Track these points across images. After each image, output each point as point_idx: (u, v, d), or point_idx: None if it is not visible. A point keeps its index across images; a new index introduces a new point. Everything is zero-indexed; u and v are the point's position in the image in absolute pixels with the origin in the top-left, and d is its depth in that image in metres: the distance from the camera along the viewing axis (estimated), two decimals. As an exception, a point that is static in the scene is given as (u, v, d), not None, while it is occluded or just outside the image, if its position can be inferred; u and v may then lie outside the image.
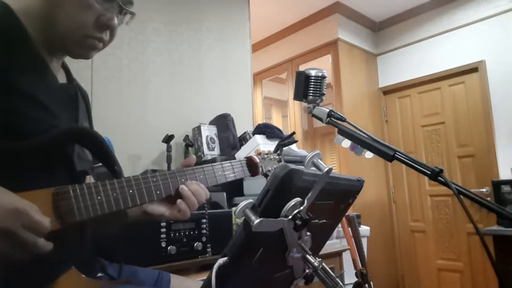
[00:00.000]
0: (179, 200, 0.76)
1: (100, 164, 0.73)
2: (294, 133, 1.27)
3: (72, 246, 0.70)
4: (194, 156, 0.84)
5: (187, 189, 0.76)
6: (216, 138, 2.07)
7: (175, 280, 0.96)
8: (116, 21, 0.76)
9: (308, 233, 0.57)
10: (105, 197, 0.66)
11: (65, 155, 0.70)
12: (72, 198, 0.63)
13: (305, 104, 1.06)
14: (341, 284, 0.57)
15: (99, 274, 0.83)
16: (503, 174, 2.85)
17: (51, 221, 0.58)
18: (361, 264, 1.74)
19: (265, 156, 1.04)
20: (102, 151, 0.72)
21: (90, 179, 0.82)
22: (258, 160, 0.98)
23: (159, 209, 0.78)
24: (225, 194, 1.63)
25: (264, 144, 1.85)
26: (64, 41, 0.73)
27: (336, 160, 3.34)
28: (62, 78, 0.81)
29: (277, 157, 1.08)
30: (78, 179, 0.73)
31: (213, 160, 1.86)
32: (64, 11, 0.71)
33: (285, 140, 1.13)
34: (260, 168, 0.99)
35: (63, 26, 0.72)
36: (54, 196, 0.61)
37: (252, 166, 0.97)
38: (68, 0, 0.71)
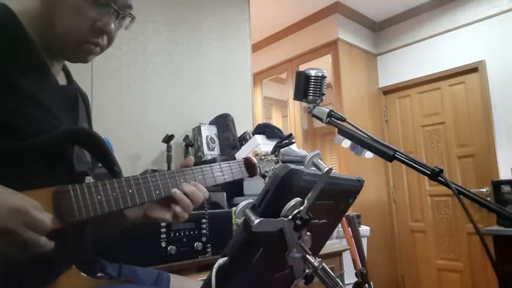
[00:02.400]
0: (173, 204, 0.76)
1: (100, 164, 0.74)
2: (291, 135, 1.27)
3: (72, 246, 0.70)
4: (192, 157, 0.84)
5: (180, 192, 0.76)
6: (216, 138, 2.07)
7: (175, 280, 0.96)
8: (112, 26, 0.75)
9: (308, 233, 0.57)
10: (105, 197, 0.66)
11: (65, 156, 0.70)
12: (72, 197, 0.63)
13: (305, 104, 1.06)
14: (341, 284, 0.57)
15: (99, 274, 0.83)
16: (503, 174, 2.85)
17: (51, 220, 0.58)
18: (361, 264, 1.74)
19: (263, 157, 1.04)
20: (101, 152, 0.72)
21: (89, 180, 0.83)
22: (255, 161, 0.99)
23: (161, 213, 0.79)
24: (225, 194, 1.63)
25: (264, 144, 1.85)
26: (61, 45, 0.74)
27: (336, 160, 3.34)
28: (62, 80, 0.82)
29: (275, 158, 1.08)
30: (78, 179, 0.73)
31: (213, 160, 1.86)
32: (60, 16, 0.71)
33: (282, 141, 1.13)
34: (258, 169, 1.00)
35: (59, 30, 0.72)
36: (54, 195, 0.61)
37: (250, 167, 0.97)
38: (63, 5, 0.71)
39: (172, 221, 0.79)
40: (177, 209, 0.76)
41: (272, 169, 1.06)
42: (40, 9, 0.72)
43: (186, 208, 0.76)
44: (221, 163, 0.89)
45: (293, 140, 1.19)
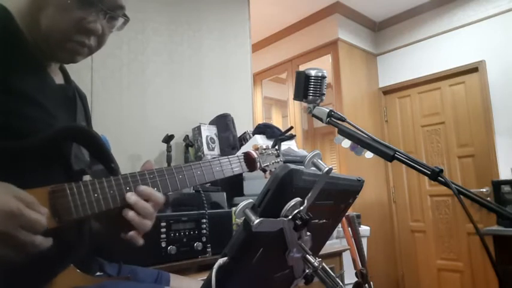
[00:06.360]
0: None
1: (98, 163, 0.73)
2: (291, 128, 1.27)
3: (70, 245, 0.69)
4: (152, 161, 0.82)
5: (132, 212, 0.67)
6: (216, 138, 2.07)
7: (175, 280, 0.96)
8: (98, 25, 0.74)
9: (308, 233, 0.57)
10: (102, 194, 0.66)
11: (62, 154, 0.70)
12: (68, 196, 0.63)
13: (305, 104, 1.06)
14: (341, 284, 0.57)
15: (98, 273, 0.83)
16: (503, 174, 2.85)
17: (48, 219, 0.58)
18: (361, 264, 1.74)
19: (263, 151, 1.04)
20: (98, 149, 0.71)
21: (88, 178, 0.82)
22: (255, 155, 0.99)
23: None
24: (225, 194, 1.63)
25: (264, 144, 1.85)
26: (46, 43, 0.73)
27: (336, 160, 3.34)
28: (59, 80, 0.82)
29: (275, 152, 1.08)
30: (76, 178, 0.73)
31: (213, 160, 1.85)
32: (45, 14, 0.71)
33: (282, 134, 1.13)
34: (258, 163, 1.00)
35: (44, 28, 0.71)
36: (50, 194, 0.61)
37: (249, 161, 0.97)
38: (48, 3, 0.71)
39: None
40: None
41: (273, 163, 1.06)
42: (27, 7, 0.72)
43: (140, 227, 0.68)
44: (220, 158, 0.89)
45: (293, 133, 1.19)
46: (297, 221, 0.51)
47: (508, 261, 2.24)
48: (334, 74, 3.32)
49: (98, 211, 0.65)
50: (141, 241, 0.70)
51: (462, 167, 3.16)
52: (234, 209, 1.49)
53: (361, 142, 0.94)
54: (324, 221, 0.69)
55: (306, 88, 1.01)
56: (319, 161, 0.57)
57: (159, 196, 0.71)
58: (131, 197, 0.68)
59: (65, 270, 0.67)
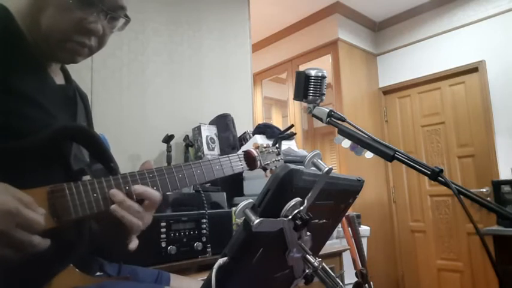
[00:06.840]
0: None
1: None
2: (292, 126, 1.27)
3: (69, 245, 0.69)
4: (152, 161, 0.81)
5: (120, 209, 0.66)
6: (216, 138, 2.07)
7: (175, 280, 0.96)
8: (99, 26, 0.74)
9: (308, 233, 0.57)
10: (101, 194, 0.66)
11: (62, 154, 0.69)
12: (67, 195, 0.63)
13: (305, 104, 1.06)
14: (341, 284, 0.57)
15: (98, 273, 0.83)
16: (503, 174, 2.85)
17: (46, 219, 0.58)
18: (361, 264, 1.74)
19: (264, 149, 1.04)
20: (97, 148, 0.71)
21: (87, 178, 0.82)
22: (256, 154, 0.98)
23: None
24: (225, 194, 1.63)
25: (264, 143, 1.85)
26: (46, 43, 0.73)
27: (336, 160, 3.34)
28: (60, 80, 0.82)
29: (276, 150, 1.08)
30: (76, 178, 0.72)
31: (213, 160, 1.85)
32: (45, 14, 0.71)
33: (283, 132, 1.13)
34: (258, 162, 0.99)
35: (44, 28, 0.71)
36: (49, 194, 0.61)
37: (250, 159, 0.97)
38: (48, 3, 0.71)
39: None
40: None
41: (273, 161, 1.06)
42: (28, 8, 0.72)
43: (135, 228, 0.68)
44: (221, 157, 0.88)
45: (294, 132, 1.18)
46: (297, 221, 0.51)
47: (508, 261, 2.24)
48: (334, 74, 3.32)
49: (97, 211, 0.65)
50: (136, 242, 0.71)
51: (462, 167, 3.16)
52: (234, 209, 1.49)
53: (361, 142, 0.94)
54: (324, 221, 0.69)
55: (306, 88, 1.01)
56: (319, 161, 0.57)
57: (155, 194, 0.70)
58: (117, 195, 0.66)
59: (64, 270, 0.67)
